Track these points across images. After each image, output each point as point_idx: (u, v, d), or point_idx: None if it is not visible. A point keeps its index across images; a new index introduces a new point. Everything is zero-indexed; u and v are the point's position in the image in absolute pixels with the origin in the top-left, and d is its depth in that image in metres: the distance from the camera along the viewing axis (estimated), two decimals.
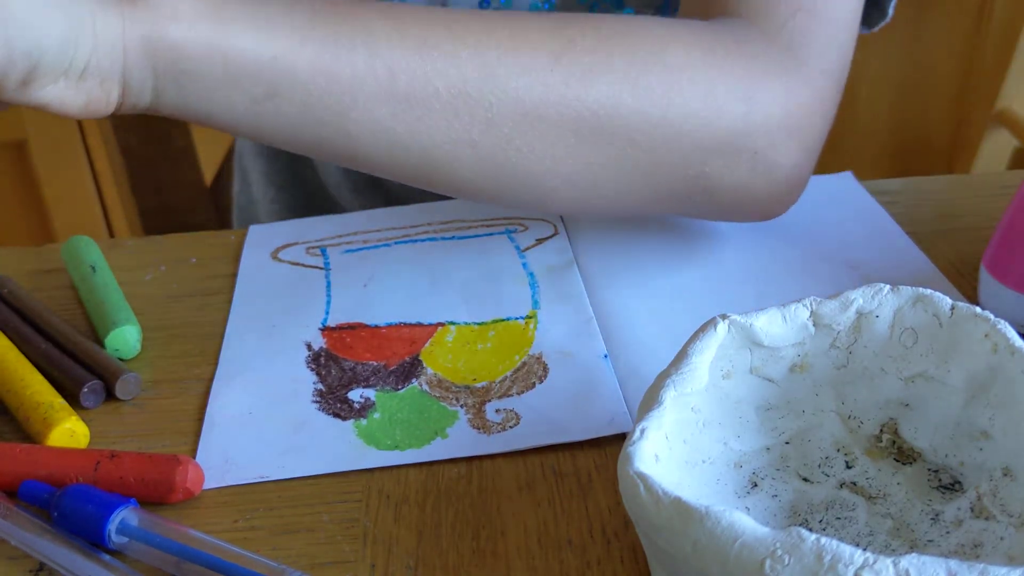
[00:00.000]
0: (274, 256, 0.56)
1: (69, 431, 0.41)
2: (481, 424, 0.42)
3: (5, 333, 0.47)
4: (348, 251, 0.56)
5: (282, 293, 0.52)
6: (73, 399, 0.44)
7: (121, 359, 0.47)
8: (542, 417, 0.43)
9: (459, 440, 0.42)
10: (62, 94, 0.36)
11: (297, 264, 0.55)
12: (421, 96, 0.40)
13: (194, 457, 0.41)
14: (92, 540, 0.36)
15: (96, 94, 0.37)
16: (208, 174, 0.96)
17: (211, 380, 0.46)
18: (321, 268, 0.54)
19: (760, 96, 0.44)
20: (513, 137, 0.41)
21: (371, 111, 0.39)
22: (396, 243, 0.56)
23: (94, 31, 0.36)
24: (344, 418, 0.43)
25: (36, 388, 0.43)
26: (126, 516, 0.36)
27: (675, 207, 0.47)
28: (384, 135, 0.40)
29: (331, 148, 0.41)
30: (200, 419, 0.43)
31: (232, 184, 0.84)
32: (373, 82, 0.39)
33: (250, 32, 0.38)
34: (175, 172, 0.94)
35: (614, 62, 0.42)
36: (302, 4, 0.39)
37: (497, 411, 0.43)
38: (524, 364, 0.46)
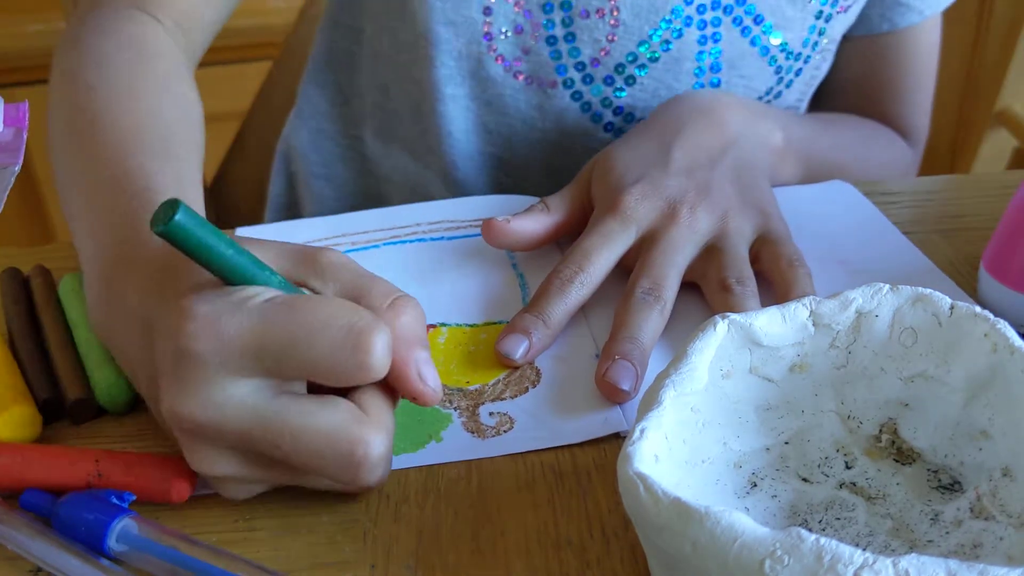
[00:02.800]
0: None
1: (20, 415, 0.41)
2: (475, 428, 0.42)
3: (9, 322, 0.47)
4: None
5: None
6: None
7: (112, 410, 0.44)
8: (536, 421, 0.42)
9: (453, 444, 0.41)
10: None
11: None
12: (836, 162, 0.65)
13: None
14: (92, 548, 0.36)
15: None
16: (208, 174, 0.96)
17: None
18: None
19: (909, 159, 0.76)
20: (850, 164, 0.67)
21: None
22: (385, 244, 0.56)
23: None
24: None
25: (6, 371, 0.43)
26: (126, 525, 0.36)
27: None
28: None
29: None
30: None
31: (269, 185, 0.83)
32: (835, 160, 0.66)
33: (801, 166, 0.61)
34: None
35: (870, 143, 0.72)
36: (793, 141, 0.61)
37: (491, 414, 0.43)
38: (517, 368, 0.46)
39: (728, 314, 0.36)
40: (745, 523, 0.28)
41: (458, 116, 0.67)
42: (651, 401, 0.33)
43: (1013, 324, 0.36)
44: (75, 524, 0.36)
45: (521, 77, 0.64)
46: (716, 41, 0.64)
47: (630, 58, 0.63)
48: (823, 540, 0.27)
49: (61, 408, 0.43)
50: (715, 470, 0.37)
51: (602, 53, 0.63)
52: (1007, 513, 0.33)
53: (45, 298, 0.49)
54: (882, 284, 0.37)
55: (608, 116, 0.65)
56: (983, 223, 0.56)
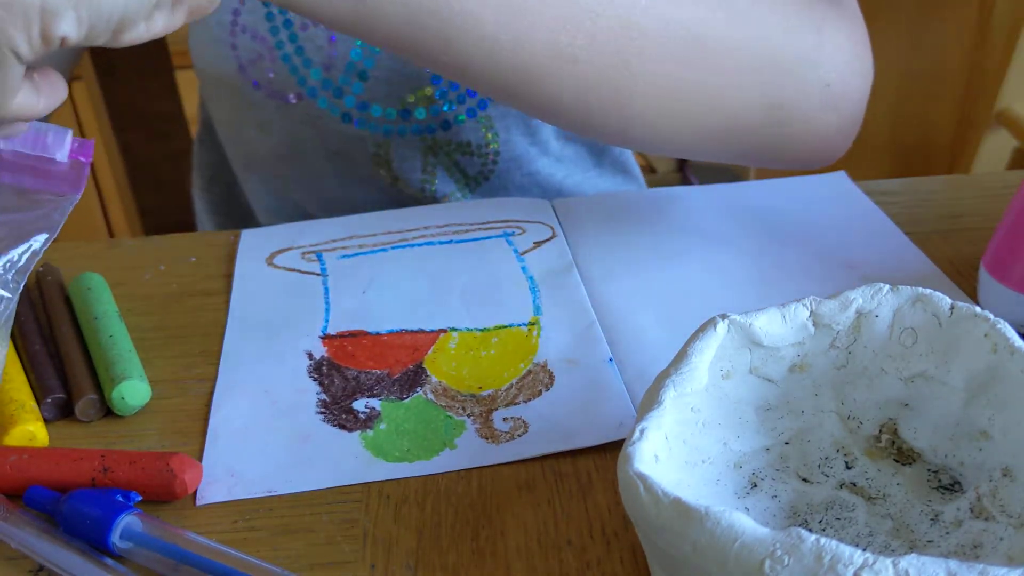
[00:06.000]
0: (269, 262, 0.55)
1: (30, 433, 0.41)
2: (489, 434, 0.42)
3: (16, 324, 0.47)
4: (344, 256, 0.55)
5: (279, 301, 0.51)
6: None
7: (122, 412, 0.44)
8: (550, 424, 0.42)
9: (468, 451, 0.41)
10: (160, 25, 0.35)
11: (293, 271, 0.54)
12: (531, 4, 0.40)
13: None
14: (96, 546, 0.36)
15: (197, 3, 0.36)
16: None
17: (211, 380, 0.46)
18: (318, 274, 0.53)
19: (828, 30, 0.46)
20: (612, 52, 0.41)
21: (477, 17, 0.39)
22: (393, 248, 0.56)
23: None
24: (350, 429, 0.42)
25: (15, 385, 0.43)
26: (129, 522, 0.36)
27: (748, 143, 0.48)
28: (487, 44, 0.40)
29: (429, 54, 0.41)
30: (200, 419, 0.43)
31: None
32: None
33: None
34: (175, 172, 0.94)
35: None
36: None
37: (505, 419, 0.43)
38: (529, 372, 0.45)
39: (728, 314, 0.36)
40: (745, 523, 0.28)
41: (251, 141, 0.71)
42: (651, 401, 0.33)
43: (1013, 324, 0.36)
44: (79, 520, 0.36)
45: (276, 97, 0.67)
46: None
47: (356, 55, 0.65)
48: (823, 540, 0.27)
49: (69, 406, 0.43)
50: (715, 470, 0.37)
51: (332, 57, 0.65)
52: (1007, 513, 0.33)
53: (55, 296, 0.50)
54: (882, 284, 0.37)
55: (355, 114, 0.67)
56: (983, 223, 0.56)
